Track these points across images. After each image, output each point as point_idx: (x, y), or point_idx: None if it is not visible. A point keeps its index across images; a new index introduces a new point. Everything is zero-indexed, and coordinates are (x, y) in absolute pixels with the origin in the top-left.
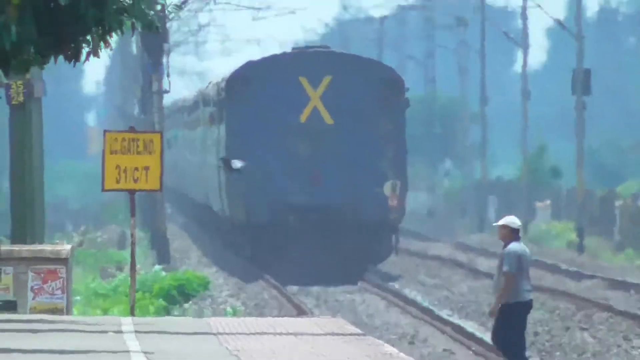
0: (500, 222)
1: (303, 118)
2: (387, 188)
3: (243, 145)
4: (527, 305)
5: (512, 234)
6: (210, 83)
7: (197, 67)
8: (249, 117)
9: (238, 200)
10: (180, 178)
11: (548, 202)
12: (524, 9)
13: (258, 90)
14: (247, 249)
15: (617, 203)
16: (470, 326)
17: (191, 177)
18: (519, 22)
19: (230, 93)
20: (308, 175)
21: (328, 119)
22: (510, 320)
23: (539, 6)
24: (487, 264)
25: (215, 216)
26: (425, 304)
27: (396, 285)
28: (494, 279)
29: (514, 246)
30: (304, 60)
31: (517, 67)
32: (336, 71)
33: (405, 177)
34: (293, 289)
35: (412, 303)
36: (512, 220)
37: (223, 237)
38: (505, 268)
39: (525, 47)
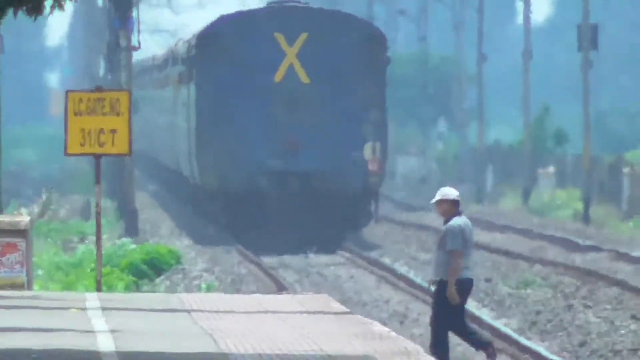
0: (437, 197)
1: (278, 77)
2: (366, 150)
3: (214, 107)
4: (468, 284)
5: (452, 207)
6: (180, 40)
7: (171, 23)
8: (220, 76)
9: (209, 165)
10: (149, 141)
11: (551, 169)
12: None
13: (230, 48)
14: (220, 217)
15: (626, 170)
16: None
17: (160, 140)
18: None
19: (200, 50)
20: (284, 139)
21: (304, 77)
22: (447, 300)
23: None
24: (485, 237)
25: (186, 182)
26: (418, 279)
27: (385, 259)
28: (434, 258)
29: (456, 221)
30: (279, 16)
31: (518, 22)
32: (313, 27)
33: (386, 139)
34: (272, 262)
35: (403, 278)
36: (449, 192)
37: (195, 205)
38: (451, 246)
39: (527, 1)
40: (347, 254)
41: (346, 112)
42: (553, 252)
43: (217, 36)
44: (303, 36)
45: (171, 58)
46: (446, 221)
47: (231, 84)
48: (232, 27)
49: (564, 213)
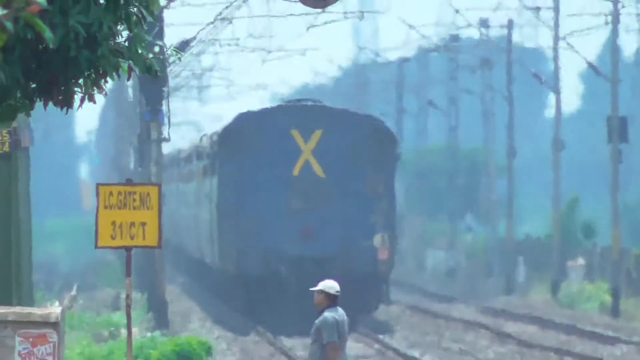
0: (318, 287)
1: (295, 171)
2: (376, 240)
3: (235, 197)
4: None
5: (328, 299)
6: (204, 135)
7: (199, 113)
8: (241, 169)
9: (230, 251)
10: (174, 232)
11: (580, 261)
12: (555, 49)
13: (250, 143)
14: (239, 300)
15: None
16: None
17: (185, 230)
18: (549, 64)
19: (222, 146)
20: (300, 227)
21: (320, 172)
22: None
23: (571, 46)
24: (515, 328)
25: (209, 269)
26: None
27: (416, 352)
28: (309, 353)
29: (330, 313)
30: (295, 114)
31: (548, 113)
32: (327, 125)
33: (394, 229)
34: (304, 354)
35: None
36: (331, 285)
37: (216, 290)
38: (327, 339)
39: (558, 92)
40: (377, 346)
41: (358, 203)
42: (583, 345)
43: (238, 132)
44: (318, 133)
45: (195, 152)
46: (320, 313)
47: (251, 176)
48: (251, 124)
49: (592, 305)
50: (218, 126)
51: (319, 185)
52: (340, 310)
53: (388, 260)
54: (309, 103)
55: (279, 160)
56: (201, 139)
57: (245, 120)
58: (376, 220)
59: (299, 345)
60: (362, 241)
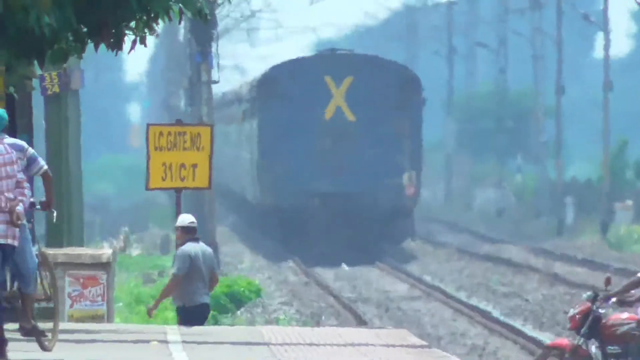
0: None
1: (328, 115)
2: (405, 178)
3: (273, 139)
4: (202, 309)
5: (184, 233)
6: (244, 82)
7: (248, 55)
8: (278, 114)
9: (269, 187)
10: (218, 171)
11: (629, 202)
12: None
13: (286, 90)
14: (277, 231)
15: None
16: (546, 337)
17: (228, 169)
18: (599, 4)
19: (261, 92)
20: (331, 166)
21: (350, 116)
22: (188, 324)
23: None
24: (565, 270)
25: (250, 204)
26: (496, 313)
27: (464, 293)
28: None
29: (186, 247)
30: (328, 62)
31: (598, 54)
32: (357, 72)
33: (420, 168)
34: (351, 296)
35: (482, 312)
36: (183, 219)
37: (255, 223)
38: (174, 270)
39: (607, 31)
40: (424, 287)
41: (385, 144)
42: None
43: (274, 80)
44: (349, 79)
45: (236, 98)
46: (178, 247)
47: (287, 120)
48: (287, 72)
49: None
50: (260, 72)
51: (349, 127)
52: (201, 243)
53: (413, 195)
54: (341, 51)
55: (312, 105)
56: (241, 85)
57: (281, 69)
58: (403, 159)
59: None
60: (390, 178)
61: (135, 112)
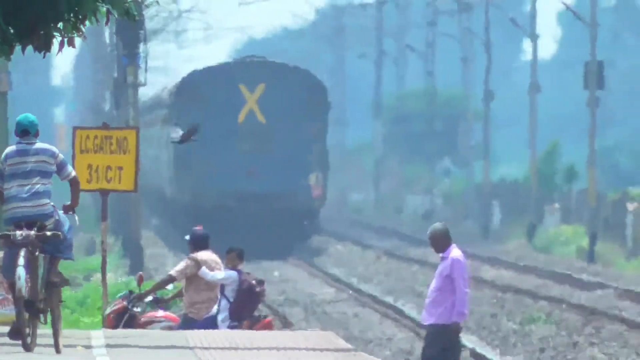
0: None
1: (241, 118)
2: (311, 179)
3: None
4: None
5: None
6: (165, 88)
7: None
8: (195, 117)
9: (186, 185)
10: (142, 174)
11: (557, 205)
12: None
13: (203, 95)
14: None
15: (631, 207)
16: (470, 340)
17: (149, 169)
18: (528, 7)
19: (179, 97)
20: (245, 167)
21: (262, 119)
22: None
23: None
24: (490, 273)
25: (168, 201)
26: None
27: (391, 297)
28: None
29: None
30: (242, 69)
31: (525, 58)
32: (269, 79)
33: (326, 170)
34: (278, 299)
35: (409, 316)
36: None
37: (173, 219)
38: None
39: (534, 35)
40: (351, 291)
41: (294, 146)
42: (558, 289)
43: (192, 85)
44: (261, 86)
45: (157, 102)
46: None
47: (204, 123)
48: (204, 78)
49: (568, 249)
50: (178, 78)
51: (262, 130)
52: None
53: (320, 195)
54: (255, 59)
55: (227, 109)
56: (162, 90)
57: (199, 75)
58: (310, 161)
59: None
60: (299, 180)
61: (62, 115)
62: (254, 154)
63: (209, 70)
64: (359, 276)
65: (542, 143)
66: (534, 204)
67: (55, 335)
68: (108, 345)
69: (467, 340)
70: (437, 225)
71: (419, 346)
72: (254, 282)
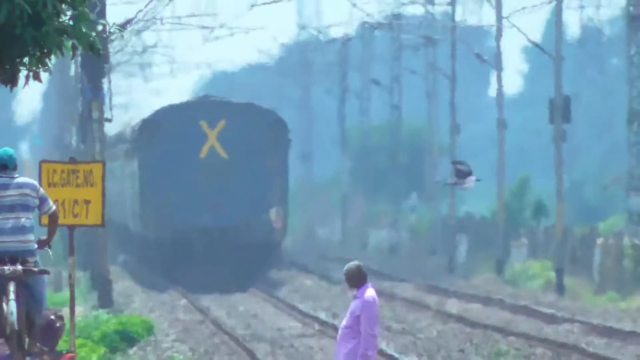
0: None
1: (203, 154)
2: (272, 213)
3: (153, 177)
4: None
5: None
6: (128, 125)
7: (143, 90)
8: (158, 153)
9: (150, 220)
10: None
11: (524, 240)
12: (498, 28)
13: (166, 132)
14: (157, 262)
15: (598, 241)
16: None
17: (113, 203)
18: (493, 42)
19: (143, 134)
20: (207, 201)
21: (223, 154)
22: None
23: (515, 26)
24: (458, 308)
25: (133, 235)
26: (390, 350)
27: None
28: None
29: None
30: (204, 107)
31: (492, 92)
32: (230, 116)
33: (286, 204)
34: (245, 333)
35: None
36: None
37: (138, 253)
38: None
39: (499, 70)
40: (318, 326)
41: (255, 181)
42: (526, 324)
43: (156, 123)
44: (222, 123)
45: (121, 138)
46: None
47: (167, 159)
48: (167, 116)
49: (536, 283)
50: (141, 117)
51: (223, 165)
52: None
53: (281, 228)
54: (216, 98)
55: (189, 145)
56: (126, 127)
57: (161, 113)
58: (271, 195)
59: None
60: (260, 213)
61: (26, 150)
62: (217, 189)
63: (171, 108)
64: (326, 310)
65: (509, 177)
66: (501, 239)
67: None
68: None
69: None
70: (352, 264)
71: None
72: (52, 317)
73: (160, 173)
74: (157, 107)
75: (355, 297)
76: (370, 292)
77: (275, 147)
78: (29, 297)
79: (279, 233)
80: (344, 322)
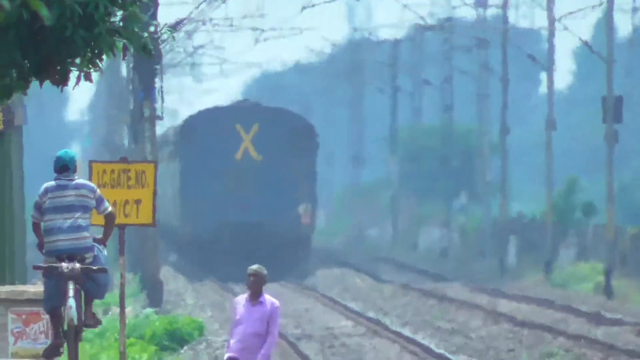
0: None
1: (238, 156)
2: (301, 209)
3: (193, 177)
4: None
5: None
6: (170, 127)
7: (194, 90)
8: (197, 155)
9: (189, 218)
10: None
11: (574, 241)
12: (550, 31)
13: (204, 134)
14: (195, 256)
15: None
16: None
17: (161, 205)
18: (544, 45)
19: (183, 137)
20: (240, 200)
21: (256, 156)
22: None
23: (566, 28)
24: (508, 308)
25: (176, 232)
26: (441, 350)
27: (408, 330)
28: None
29: None
30: (239, 111)
31: (542, 94)
32: (263, 120)
33: (315, 201)
34: (296, 332)
35: (427, 349)
36: None
37: (180, 248)
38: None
39: (551, 72)
40: (369, 323)
41: (286, 181)
42: (576, 325)
43: (195, 126)
44: (256, 126)
45: (164, 140)
46: None
47: (205, 160)
48: (205, 119)
49: (586, 286)
50: (182, 120)
51: (256, 167)
52: None
53: (310, 224)
54: (250, 103)
55: (226, 147)
56: (168, 129)
57: (201, 116)
58: (300, 194)
59: (299, 332)
60: (290, 210)
61: (77, 150)
62: (250, 188)
63: (209, 112)
64: (377, 309)
65: (559, 179)
66: (550, 240)
67: None
68: None
69: None
70: (262, 267)
71: None
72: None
73: (198, 174)
74: (195, 111)
75: (259, 302)
76: (272, 297)
77: (304, 149)
78: (85, 304)
79: (307, 228)
80: (249, 330)
